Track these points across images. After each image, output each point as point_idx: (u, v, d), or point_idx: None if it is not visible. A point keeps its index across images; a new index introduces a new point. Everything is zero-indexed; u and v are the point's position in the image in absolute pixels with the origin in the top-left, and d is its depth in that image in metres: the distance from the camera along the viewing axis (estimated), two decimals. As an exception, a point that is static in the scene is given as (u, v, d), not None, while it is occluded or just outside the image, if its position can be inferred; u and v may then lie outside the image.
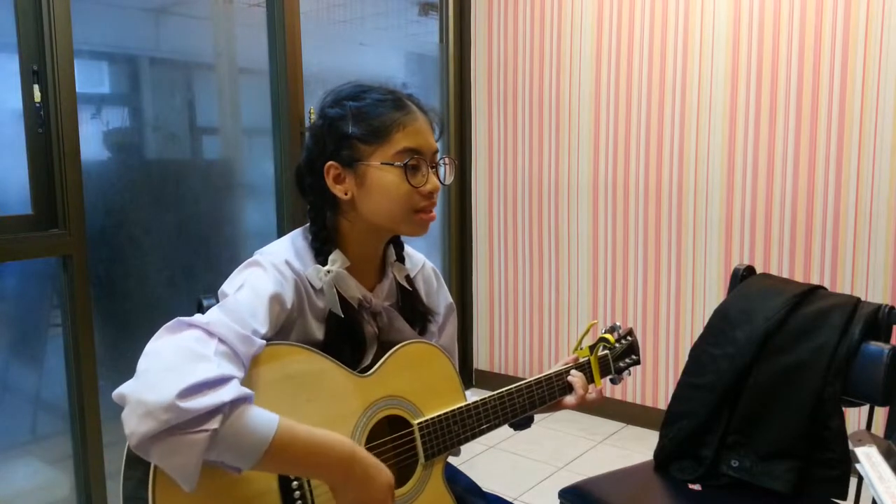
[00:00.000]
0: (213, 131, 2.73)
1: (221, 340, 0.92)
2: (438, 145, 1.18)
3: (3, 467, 2.21)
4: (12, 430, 2.23)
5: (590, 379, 1.40)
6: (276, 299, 1.04)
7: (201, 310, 1.24)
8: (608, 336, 1.47)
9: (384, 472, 0.99)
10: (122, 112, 2.46)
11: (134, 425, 0.83)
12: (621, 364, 1.49)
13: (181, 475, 0.85)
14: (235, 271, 1.10)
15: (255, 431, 0.88)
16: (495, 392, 1.26)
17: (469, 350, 3.75)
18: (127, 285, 2.42)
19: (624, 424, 3.22)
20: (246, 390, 0.89)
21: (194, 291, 2.60)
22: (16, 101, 2.08)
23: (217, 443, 0.85)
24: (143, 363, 0.88)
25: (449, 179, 1.20)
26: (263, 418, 0.89)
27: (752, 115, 2.81)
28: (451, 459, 1.25)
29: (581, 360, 1.41)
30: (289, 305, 1.07)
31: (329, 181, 1.13)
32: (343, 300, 1.14)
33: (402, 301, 1.25)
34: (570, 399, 1.35)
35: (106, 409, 2.26)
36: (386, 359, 1.14)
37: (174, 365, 0.86)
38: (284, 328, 1.08)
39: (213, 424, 0.84)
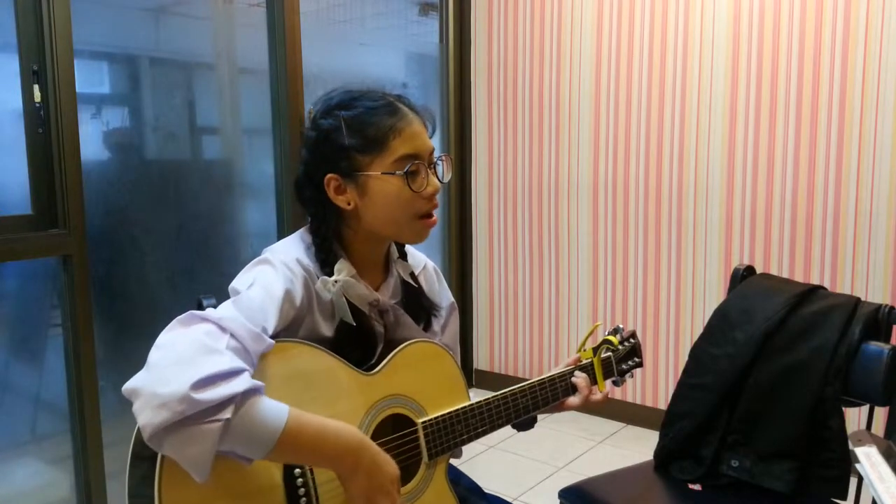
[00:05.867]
0: (213, 131, 2.73)
1: (233, 336, 0.93)
2: (433, 143, 1.18)
3: (3, 467, 2.20)
4: (12, 430, 2.23)
5: (593, 381, 1.40)
6: (286, 297, 1.05)
7: (201, 310, 1.25)
8: (611, 338, 1.47)
9: (391, 464, 1.01)
10: (122, 112, 2.45)
11: (148, 417, 0.84)
12: (624, 366, 1.49)
13: (194, 466, 0.86)
14: (246, 268, 1.10)
15: (266, 421, 0.89)
16: (499, 392, 1.26)
17: (469, 350, 3.75)
18: (127, 285, 2.42)
19: (624, 424, 3.22)
20: (257, 382, 0.90)
21: (194, 291, 2.59)
22: (16, 101, 2.08)
23: (229, 433, 0.86)
24: (154, 355, 0.89)
25: (447, 177, 1.20)
26: (274, 409, 0.91)
27: (752, 115, 2.81)
28: (452, 461, 1.25)
29: (584, 361, 1.41)
30: (298, 303, 1.08)
31: (330, 193, 1.14)
32: (352, 306, 1.15)
33: (406, 298, 1.26)
34: (574, 400, 1.36)
35: (106, 409, 2.25)
36: (391, 357, 1.15)
37: (187, 357, 0.87)
38: (293, 325, 1.09)
39: (226, 414, 0.85)
